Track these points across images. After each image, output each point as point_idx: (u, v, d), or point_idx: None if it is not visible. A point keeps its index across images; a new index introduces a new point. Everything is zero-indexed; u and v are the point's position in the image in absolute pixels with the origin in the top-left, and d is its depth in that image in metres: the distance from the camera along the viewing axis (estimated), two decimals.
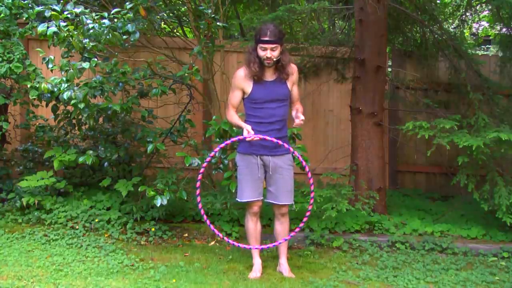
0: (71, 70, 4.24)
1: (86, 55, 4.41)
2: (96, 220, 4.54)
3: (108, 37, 4.24)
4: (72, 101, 4.25)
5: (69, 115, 4.92)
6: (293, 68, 3.67)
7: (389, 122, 6.11)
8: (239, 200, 3.68)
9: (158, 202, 4.17)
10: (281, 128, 3.62)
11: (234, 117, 3.63)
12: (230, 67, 6.27)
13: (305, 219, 3.57)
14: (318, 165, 6.09)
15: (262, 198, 3.68)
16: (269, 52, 3.47)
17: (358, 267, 3.99)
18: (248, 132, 3.43)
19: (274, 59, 3.51)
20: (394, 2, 5.49)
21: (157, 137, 4.62)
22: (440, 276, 3.80)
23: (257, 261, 3.72)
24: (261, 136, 3.43)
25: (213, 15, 4.69)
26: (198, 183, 3.45)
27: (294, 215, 4.56)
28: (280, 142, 3.45)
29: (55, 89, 4.38)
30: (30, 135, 5.39)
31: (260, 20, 5.14)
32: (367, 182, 4.99)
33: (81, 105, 4.24)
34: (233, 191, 4.18)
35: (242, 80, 3.61)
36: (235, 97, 3.65)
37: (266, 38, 3.46)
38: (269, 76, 3.60)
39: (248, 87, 3.59)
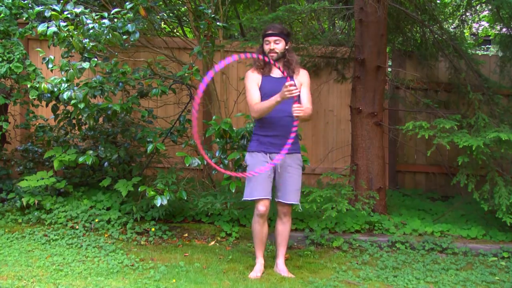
0: (71, 70, 4.25)
1: (86, 55, 4.42)
2: (96, 220, 4.54)
3: (108, 37, 4.25)
4: (72, 101, 4.26)
5: (69, 115, 4.92)
6: (301, 71, 3.77)
7: (389, 122, 6.10)
8: (248, 199, 3.63)
9: (158, 202, 4.17)
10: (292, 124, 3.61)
11: (259, 103, 3.59)
12: (230, 67, 6.27)
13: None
14: (318, 165, 6.09)
15: (270, 198, 3.65)
16: (272, 45, 3.64)
17: (358, 267, 3.99)
18: (286, 87, 3.36)
19: (278, 52, 3.64)
20: (394, 2, 5.49)
21: (157, 137, 4.62)
22: (440, 276, 3.80)
23: (260, 261, 3.71)
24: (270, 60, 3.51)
25: (213, 15, 4.69)
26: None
27: (294, 215, 4.55)
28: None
29: (55, 89, 4.39)
30: (30, 135, 5.39)
31: (260, 20, 5.14)
32: (367, 182, 4.99)
33: (81, 105, 4.24)
34: (233, 191, 4.18)
35: (252, 75, 3.70)
36: (254, 92, 3.66)
37: (270, 32, 3.68)
38: (277, 73, 3.67)
39: (259, 79, 3.70)
